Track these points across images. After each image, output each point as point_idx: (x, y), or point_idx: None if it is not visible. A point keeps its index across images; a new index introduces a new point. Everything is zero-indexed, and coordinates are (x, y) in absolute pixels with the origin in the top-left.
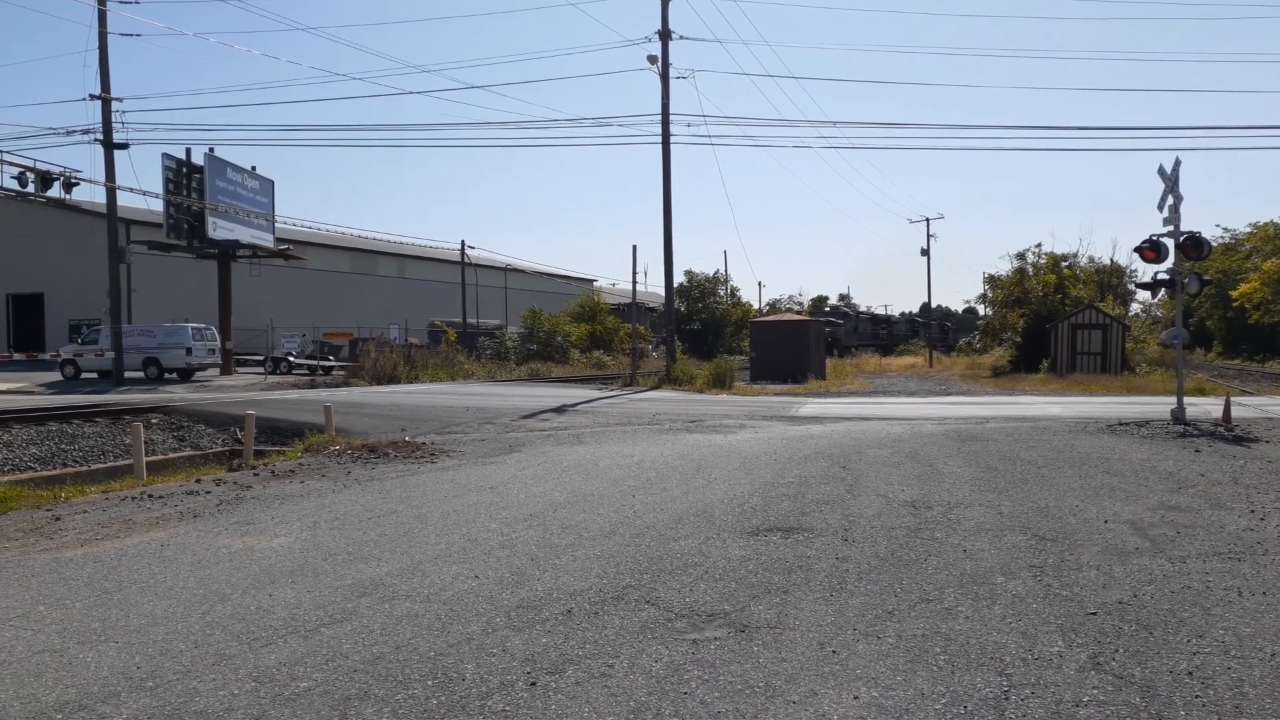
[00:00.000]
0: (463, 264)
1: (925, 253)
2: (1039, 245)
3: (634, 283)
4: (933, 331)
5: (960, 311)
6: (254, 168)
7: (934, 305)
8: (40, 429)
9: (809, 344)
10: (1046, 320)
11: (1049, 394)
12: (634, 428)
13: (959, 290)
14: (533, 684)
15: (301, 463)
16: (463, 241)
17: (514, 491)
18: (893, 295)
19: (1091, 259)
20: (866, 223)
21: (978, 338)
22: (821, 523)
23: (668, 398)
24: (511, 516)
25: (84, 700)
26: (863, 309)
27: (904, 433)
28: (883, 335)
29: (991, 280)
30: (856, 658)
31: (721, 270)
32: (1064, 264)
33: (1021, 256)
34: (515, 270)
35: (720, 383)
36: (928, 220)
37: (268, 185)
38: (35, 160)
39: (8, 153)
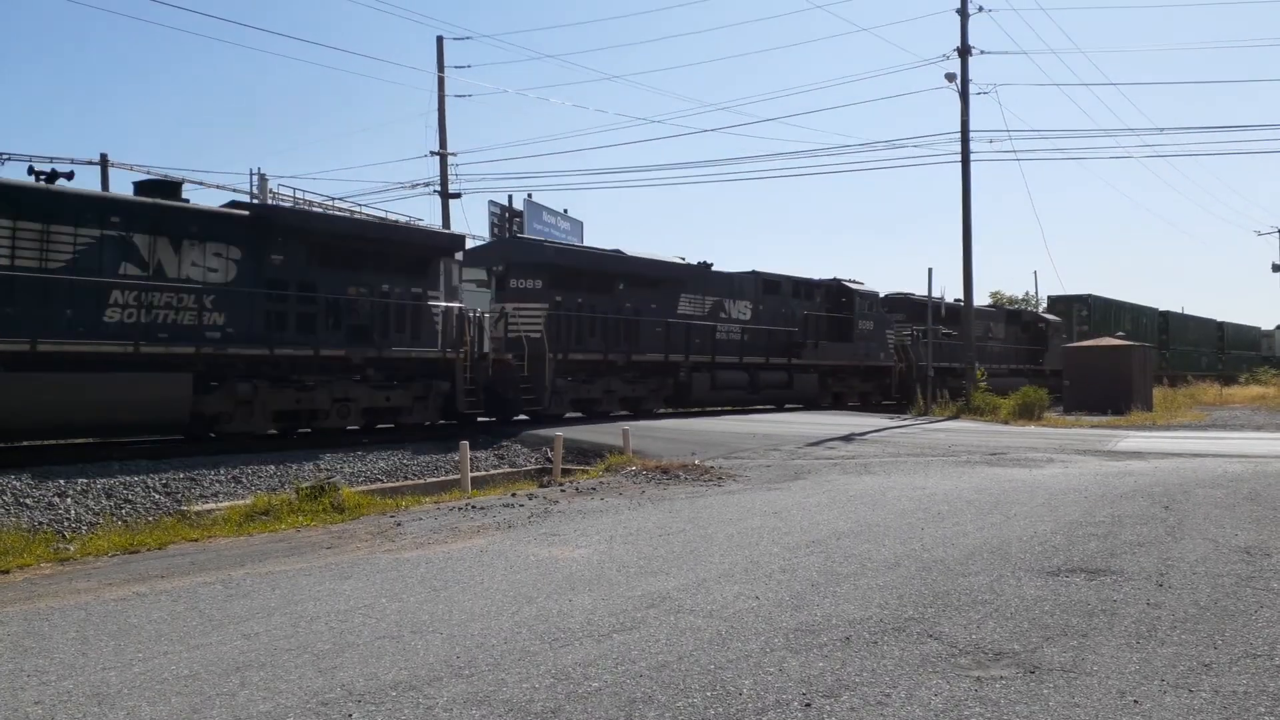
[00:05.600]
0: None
1: (1278, 268)
2: None
3: (929, 306)
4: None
5: None
6: (566, 210)
7: None
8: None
9: (1132, 371)
10: None
11: None
12: (926, 459)
13: None
14: (807, 705)
15: (602, 481)
16: (754, 271)
17: (797, 518)
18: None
19: None
20: (1202, 236)
21: None
22: (1133, 565)
23: (966, 428)
24: (794, 542)
25: (413, 681)
26: None
27: (1244, 471)
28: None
29: None
30: (1162, 710)
31: (1031, 291)
32: None
33: None
34: None
35: (1027, 413)
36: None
37: (578, 226)
38: (386, 211)
39: (365, 206)
